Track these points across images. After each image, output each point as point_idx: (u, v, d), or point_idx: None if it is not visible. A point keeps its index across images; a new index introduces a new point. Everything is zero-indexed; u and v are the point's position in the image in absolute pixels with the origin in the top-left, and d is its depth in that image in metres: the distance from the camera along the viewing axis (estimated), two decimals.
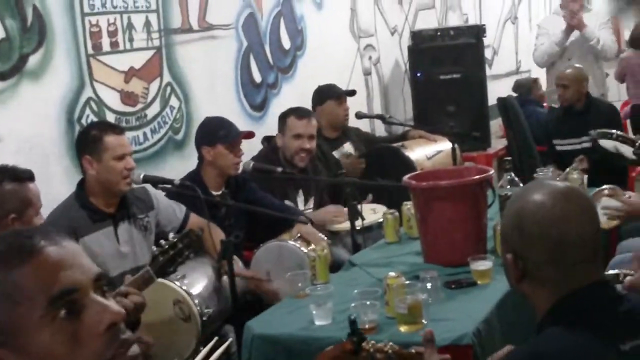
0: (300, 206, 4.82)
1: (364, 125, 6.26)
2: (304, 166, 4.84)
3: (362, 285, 3.32)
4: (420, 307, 2.87)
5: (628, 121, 7.67)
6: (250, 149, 4.79)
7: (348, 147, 5.68)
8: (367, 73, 7.03)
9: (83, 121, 4.12)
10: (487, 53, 8.34)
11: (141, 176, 3.73)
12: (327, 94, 5.61)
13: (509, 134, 7.21)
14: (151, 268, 2.99)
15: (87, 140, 3.64)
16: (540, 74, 8.17)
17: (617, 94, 9.17)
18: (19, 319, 1.19)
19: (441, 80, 6.96)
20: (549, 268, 1.80)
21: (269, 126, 5.28)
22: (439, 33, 7.16)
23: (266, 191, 4.53)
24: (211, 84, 5.10)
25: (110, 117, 4.30)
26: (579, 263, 1.79)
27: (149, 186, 3.85)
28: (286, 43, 5.95)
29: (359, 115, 5.96)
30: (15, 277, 1.20)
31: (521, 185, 3.78)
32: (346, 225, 4.18)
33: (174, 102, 4.80)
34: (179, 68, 4.85)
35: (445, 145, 5.63)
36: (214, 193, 4.22)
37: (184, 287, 3.45)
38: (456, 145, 5.30)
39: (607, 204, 3.77)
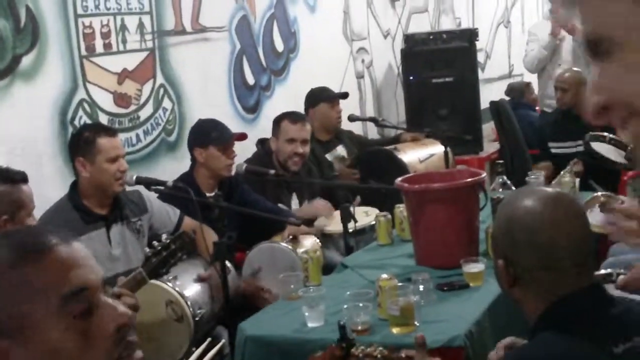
0: (294, 209, 4.82)
1: (356, 128, 6.27)
2: (297, 170, 4.85)
3: (355, 287, 3.32)
4: (413, 309, 2.88)
5: None
6: (243, 151, 4.79)
7: (341, 150, 5.69)
8: (359, 76, 7.04)
9: (76, 122, 4.12)
10: (480, 57, 8.36)
11: (134, 178, 3.74)
12: (320, 97, 5.61)
13: (501, 137, 7.23)
14: (144, 269, 2.99)
15: (80, 142, 3.64)
16: (532, 78, 8.19)
17: None
18: (29, 314, 1.21)
19: (434, 84, 6.97)
20: (540, 273, 1.81)
21: (262, 128, 5.29)
22: (431, 36, 7.18)
23: (259, 194, 4.54)
24: (204, 86, 5.11)
25: (103, 119, 4.30)
26: (570, 268, 1.80)
27: (143, 190, 3.85)
28: (279, 45, 5.96)
29: (352, 118, 5.96)
30: (29, 273, 1.21)
31: (513, 188, 3.80)
32: (339, 227, 4.19)
33: (166, 103, 4.80)
34: (172, 70, 4.85)
35: (437, 148, 5.64)
36: (207, 194, 4.22)
37: (177, 288, 3.45)
38: (449, 149, 5.32)
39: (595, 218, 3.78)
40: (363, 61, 7.11)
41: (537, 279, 1.81)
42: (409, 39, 7.19)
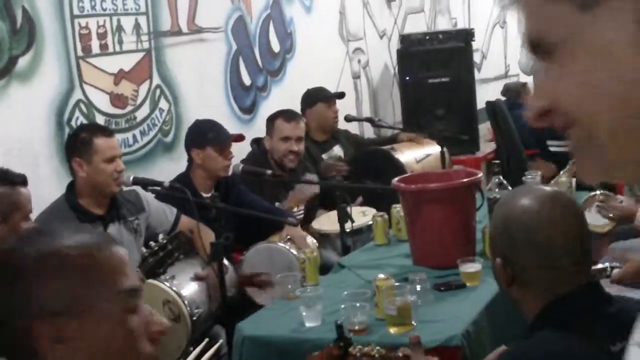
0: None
1: (353, 129, 6.28)
2: (293, 166, 4.86)
3: (352, 287, 3.33)
4: (410, 308, 2.88)
5: None
6: (240, 151, 4.79)
7: (337, 150, 5.69)
8: (356, 76, 7.04)
9: (73, 123, 4.12)
10: (476, 57, 8.36)
11: (131, 178, 3.74)
12: (317, 97, 5.62)
13: (497, 137, 7.24)
14: (141, 269, 2.99)
15: (77, 143, 3.64)
16: (528, 79, 8.20)
17: None
18: (91, 299, 1.30)
19: (430, 84, 6.98)
20: (538, 272, 1.82)
21: (259, 129, 5.29)
22: (427, 37, 7.19)
23: (256, 194, 4.54)
24: (201, 86, 5.11)
25: (100, 119, 4.30)
26: (568, 266, 1.81)
27: (139, 189, 3.86)
28: (275, 46, 5.96)
29: (348, 119, 5.97)
30: (101, 261, 1.32)
31: (510, 188, 3.80)
32: (336, 227, 4.19)
33: (163, 104, 4.80)
34: (169, 70, 4.85)
35: (434, 148, 5.64)
36: (204, 195, 4.22)
37: (174, 288, 3.45)
38: (445, 149, 5.32)
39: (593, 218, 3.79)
40: (359, 61, 7.11)
41: (535, 277, 1.81)
42: (405, 39, 7.20)
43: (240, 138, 4.57)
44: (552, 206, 1.83)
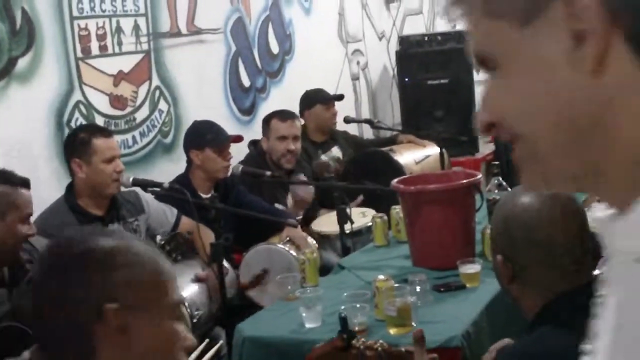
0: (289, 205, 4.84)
1: (352, 130, 6.28)
2: (291, 167, 4.86)
3: (352, 288, 3.33)
4: (410, 309, 2.88)
5: None
6: (239, 152, 4.80)
7: (336, 151, 5.69)
8: (355, 78, 7.04)
9: (72, 124, 4.12)
10: None
11: (130, 179, 3.74)
12: (316, 99, 5.62)
13: (496, 138, 7.23)
14: None
15: (76, 143, 3.64)
16: None
17: None
18: (155, 300, 1.42)
19: (429, 85, 6.98)
20: (538, 270, 1.82)
21: (258, 130, 5.29)
22: (426, 38, 7.19)
23: (255, 194, 4.54)
24: (200, 87, 5.11)
25: (100, 121, 4.30)
26: (568, 265, 1.81)
27: (139, 190, 3.86)
28: (274, 47, 5.96)
29: (348, 120, 5.97)
30: (164, 268, 1.46)
31: (509, 189, 3.80)
32: (335, 228, 4.19)
33: (162, 105, 4.80)
34: (168, 72, 4.85)
35: (433, 149, 5.65)
36: (203, 196, 4.23)
37: None
38: (444, 150, 5.33)
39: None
40: (358, 63, 7.12)
41: (535, 276, 1.82)
42: (403, 40, 7.20)
43: (238, 139, 4.57)
44: (552, 205, 1.84)
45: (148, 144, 4.67)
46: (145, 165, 4.60)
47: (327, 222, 4.63)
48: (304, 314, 3.05)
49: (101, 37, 4.39)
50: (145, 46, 4.69)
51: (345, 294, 3.14)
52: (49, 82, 4.05)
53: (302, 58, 6.19)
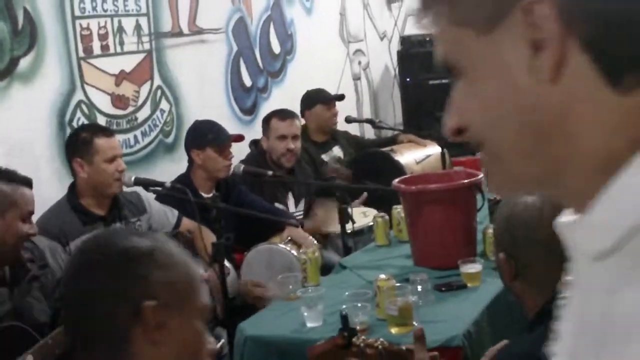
0: (291, 208, 4.84)
1: (353, 130, 6.28)
2: (291, 166, 4.86)
3: (353, 288, 3.33)
4: (411, 309, 2.89)
5: None
6: (240, 152, 4.80)
7: (337, 151, 5.70)
8: (356, 78, 7.05)
9: (74, 124, 4.12)
10: None
11: (132, 179, 3.74)
12: (316, 99, 5.62)
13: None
14: None
15: (78, 143, 3.65)
16: None
17: None
18: (190, 301, 1.47)
19: (430, 86, 6.98)
20: (539, 269, 1.83)
21: (259, 130, 5.29)
22: (428, 38, 7.18)
23: (256, 194, 4.54)
24: (201, 87, 5.11)
25: (101, 120, 4.30)
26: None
27: (141, 191, 3.86)
28: (276, 47, 5.97)
29: (349, 120, 5.98)
30: (195, 271, 1.52)
31: None
32: (337, 228, 4.20)
33: (164, 105, 4.81)
34: (170, 71, 4.86)
35: (434, 149, 5.65)
36: (204, 196, 4.23)
37: None
38: (445, 150, 5.33)
39: None
40: (360, 63, 7.12)
41: (536, 274, 1.83)
42: (405, 40, 7.20)
43: (240, 138, 4.57)
44: (553, 204, 1.84)
45: (149, 143, 4.68)
46: (146, 164, 4.61)
47: (328, 222, 4.63)
48: (305, 314, 3.06)
49: (103, 37, 4.39)
50: (147, 46, 4.70)
51: (346, 293, 3.15)
52: (51, 82, 4.05)
53: (304, 58, 6.19)
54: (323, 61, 6.46)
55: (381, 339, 1.97)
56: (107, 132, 3.76)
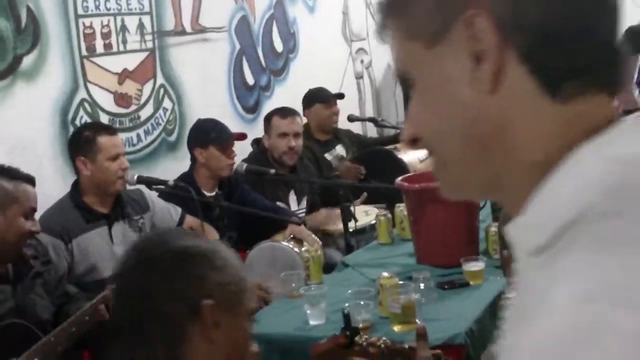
0: (293, 207, 4.84)
1: (356, 129, 6.28)
2: (293, 164, 4.86)
3: (356, 286, 3.33)
4: (414, 307, 2.89)
5: None
6: (243, 150, 4.80)
7: (340, 150, 5.70)
8: (359, 76, 7.05)
9: (77, 122, 4.13)
10: None
11: (135, 177, 3.75)
12: (315, 98, 5.62)
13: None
14: None
15: (81, 142, 3.65)
16: None
17: None
18: (243, 302, 1.55)
19: None
20: None
21: (262, 128, 5.30)
22: None
23: (258, 193, 4.55)
24: (204, 86, 5.12)
25: (104, 119, 4.31)
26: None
27: (144, 188, 3.86)
28: (279, 46, 5.97)
29: (351, 119, 5.98)
30: (244, 275, 1.59)
31: None
32: (339, 226, 4.20)
33: (167, 103, 4.81)
34: (172, 70, 4.86)
35: None
36: (207, 194, 4.23)
37: None
38: None
39: None
40: (362, 62, 7.12)
41: None
42: None
43: (242, 137, 4.57)
44: None
45: (152, 142, 4.68)
46: (149, 163, 4.61)
47: (330, 220, 4.63)
48: (308, 311, 3.06)
49: (106, 36, 4.40)
50: (149, 44, 4.70)
51: (349, 291, 3.15)
52: (54, 80, 4.06)
53: (306, 56, 6.19)
54: (326, 60, 6.46)
55: (384, 338, 1.97)
56: (110, 130, 3.77)
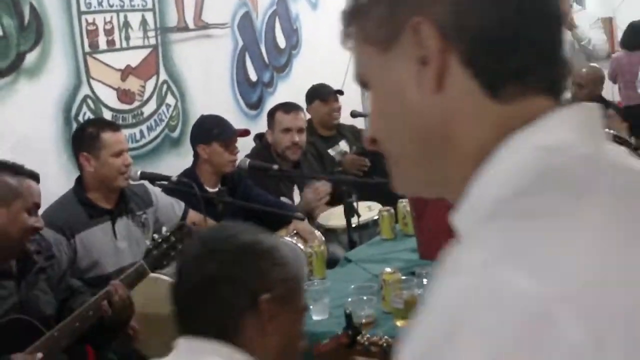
0: (297, 202, 4.83)
1: (359, 124, 6.27)
2: (296, 160, 4.86)
3: (359, 281, 3.34)
4: (417, 302, 2.88)
5: None
6: (246, 146, 4.81)
7: (343, 145, 5.70)
8: None
9: (80, 119, 4.14)
10: None
11: (138, 173, 3.75)
12: (315, 94, 5.63)
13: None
14: (145, 262, 3.01)
15: (84, 138, 3.65)
16: None
17: (610, 95, 9.18)
18: (298, 298, 1.64)
19: None
20: None
21: (265, 124, 5.30)
22: None
23: (262, 188, 4.55)
24: (207, 82, 5.12)
25: (107, 115, 4.32)
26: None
27: (147, 183, 3.87)
28: (281, 42, 5.97)
29: (354, 114, 5.96)
30: (302, 272, 1.72)
31: None
32: (342, 222, 4.20)
33: (170, 100, 4.82)
34: (175, 66, 4.87)
35: None
36: (210, 190, 4.23)
37: None
38: None
39: None
40: None
41: None
42: None
43: (245, 133, 4.58)
44: None
45: (155, 138, 4.69)
46: (152, 159, 4.62)
47: (332, 216, 4.63)
48: (311, 307, 3.05)
49: (109, 32, 4.40)
50: (152, 41, 4.70)
51: (352, 286, 3.15)
52: (57, 77, 4.07)
53: (309, 52, 6.19)
54: (328, 56, 6.43)
55: (385, 337, 1.98)
56: (114, 126, 3.77)
